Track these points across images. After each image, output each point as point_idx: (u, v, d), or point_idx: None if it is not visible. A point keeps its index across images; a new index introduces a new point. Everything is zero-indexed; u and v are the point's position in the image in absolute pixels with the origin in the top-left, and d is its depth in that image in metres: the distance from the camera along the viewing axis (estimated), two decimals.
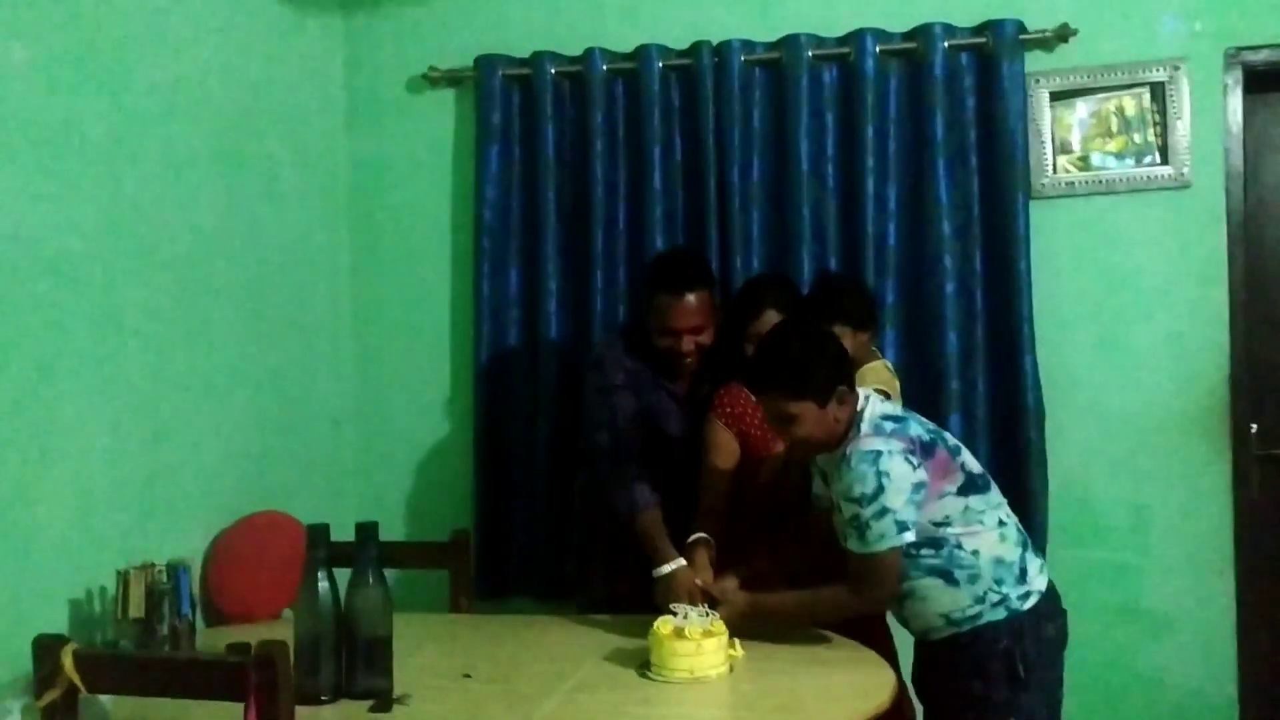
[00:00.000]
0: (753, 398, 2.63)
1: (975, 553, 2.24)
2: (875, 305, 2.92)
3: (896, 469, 2.17)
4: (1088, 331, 3.16)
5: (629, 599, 2.58)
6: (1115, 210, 3.15)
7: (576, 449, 2.98)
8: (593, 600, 2.83)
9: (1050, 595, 2.31)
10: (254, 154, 2.98)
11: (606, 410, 2.72)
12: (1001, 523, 2.29)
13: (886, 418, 2.27)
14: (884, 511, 2.16)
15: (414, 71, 3.43)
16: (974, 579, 2.23)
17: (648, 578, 2.53)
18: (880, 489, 2.16)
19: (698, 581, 2.45)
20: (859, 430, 2.23)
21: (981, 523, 2.26)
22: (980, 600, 2.24)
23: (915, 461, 2.19)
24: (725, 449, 2.67)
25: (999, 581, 2.24)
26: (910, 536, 2.19)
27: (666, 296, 2.65)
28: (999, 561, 2.25)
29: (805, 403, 2.22)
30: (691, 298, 2.65)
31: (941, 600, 2.25)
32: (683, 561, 2.50)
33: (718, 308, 2.76)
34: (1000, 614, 2.23)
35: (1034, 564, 2.31)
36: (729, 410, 2.69)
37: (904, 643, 2.53)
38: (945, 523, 2.23)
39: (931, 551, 2.24)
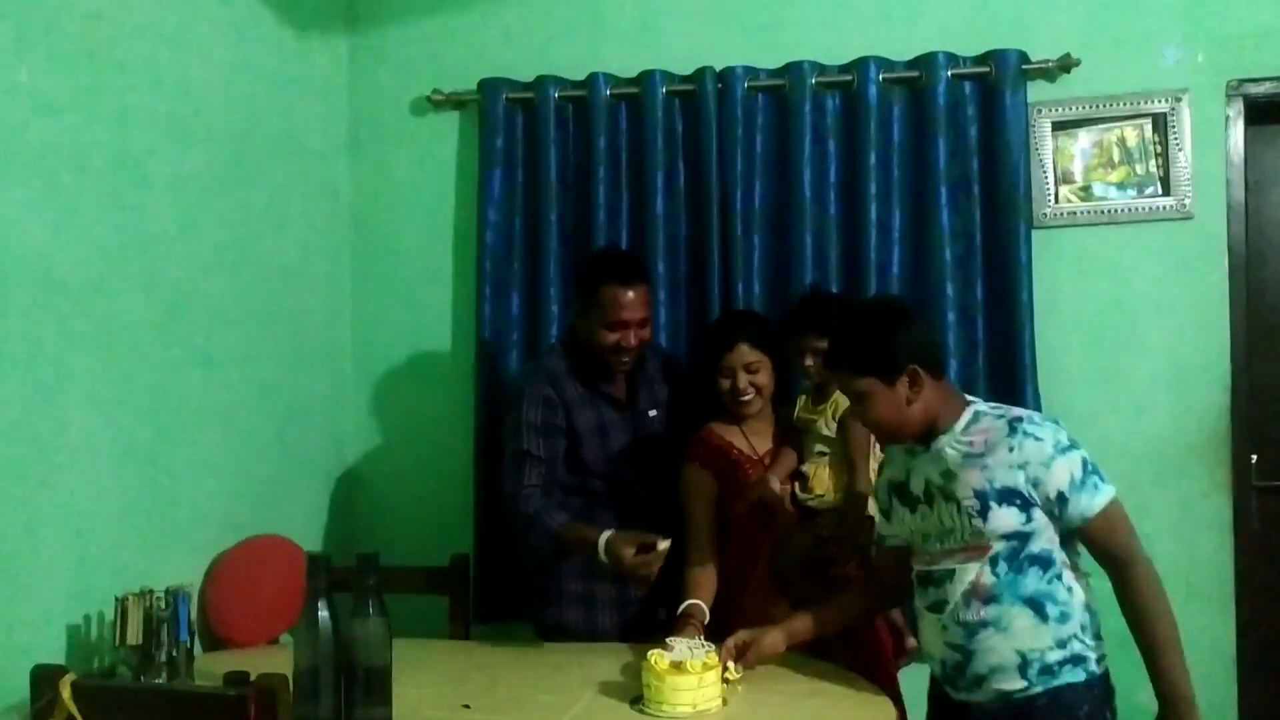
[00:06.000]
0: (724, 435, 2.73)
1: (1070, 590, 2.11)
2: None
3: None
4: (1088, 361, 3.16)
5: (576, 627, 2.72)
6: (1117, 240, 3.15)
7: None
8: (546, 628, 2.82)
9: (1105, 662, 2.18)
10: (257, 176, 2.98)
11: (515, 448, 2.69)
12: (1087, 572, 2.17)
13: None
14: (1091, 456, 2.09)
15: (417, 94, 3.44)
16: (1064, 618, 2.09)
17: (606, 604, 2.71)
18: (1074, 441, 2.10)
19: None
20: (1000, 411, 2.16)
21: (1081, 563, 2.15)
22: (1062, 645, 2.09)
23: None
24: (702, 493, 2.68)
25: (1084, 629, 2.11)
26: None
27: (616, 288, 2.65)
28: (1089, 609, 2.13)
29: (870, 379, 2.12)
30: (640, 289, 2.69)
31: (1023, 636, 2.08)
32: (610, 531, 2.50)
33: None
34: (1080, 675, 2.10)
35: (1100, 626, 2.17)
36: (701, 451, 2.72)
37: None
38: (1064, 541, 2.12)
39: (1039, 572, 2.08)
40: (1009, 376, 3.07)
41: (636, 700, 2.13)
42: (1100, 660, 2.14)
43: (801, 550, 2.64)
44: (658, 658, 2.13)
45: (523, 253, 3.35)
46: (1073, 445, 2.09)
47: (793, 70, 3.20)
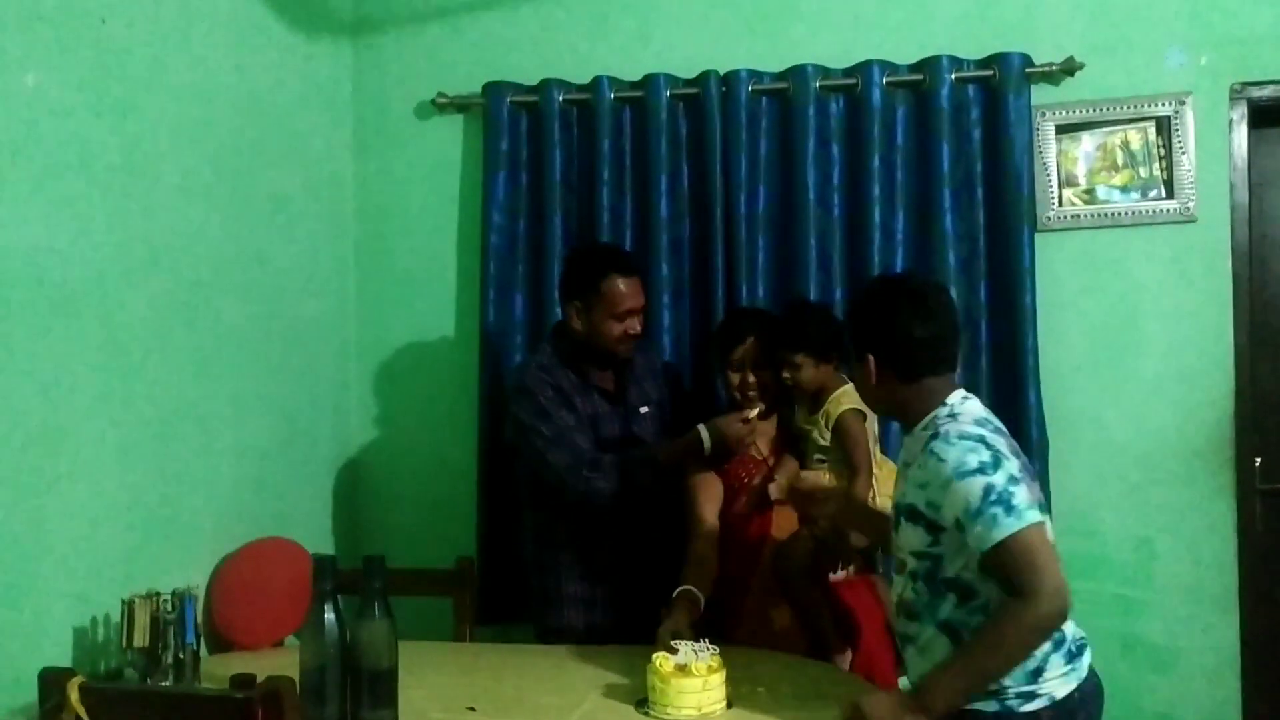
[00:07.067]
0: None
1: None
2: (842, 335, 2.89)
3: (1008, 457, 1.90)
4: (1091, 364, 3.16)
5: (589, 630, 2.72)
6: (1120, 243, 3.16)
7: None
8: (547, 631, 2.83)
9: (1065, 709, 1.93)
10: (262, 179, 2.98)
11: (551, 427, 2.71)
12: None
13: (984, 421, 2.01)
14: (1015, 480, 1.87)
15: (422, 97, 3.45)
16: None
17: (608, 606, 2.74)
18: (998, 460, 1.88)
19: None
20: (955, 416, 1.98)
21: None
22: None
23: (1018, 476, 1.91)
24: (708, 492, 2.68)
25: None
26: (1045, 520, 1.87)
27: (621, 278, 2.74)
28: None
29: (855, 349, 2.15)
30: (638, 277, 2.79)
31: (938, 659, 1.97)
32: (702, 429, 2.65)
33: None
34: (991, 706, 1.92)
35: (1057, 667, 1.94)
36: None
37: None
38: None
39: (956, 599, 1.94)
40: (1012, 379, 3.08)
41: (641, 703, 2.13)
42: (1028, 697, 1.91)
43: (802, 554, 2.64)
44: (662, 660, 2.13)
45: (527, 255, 3.36)
46: (980, 470, 1.87)
47: (796, 73, 3.20)
